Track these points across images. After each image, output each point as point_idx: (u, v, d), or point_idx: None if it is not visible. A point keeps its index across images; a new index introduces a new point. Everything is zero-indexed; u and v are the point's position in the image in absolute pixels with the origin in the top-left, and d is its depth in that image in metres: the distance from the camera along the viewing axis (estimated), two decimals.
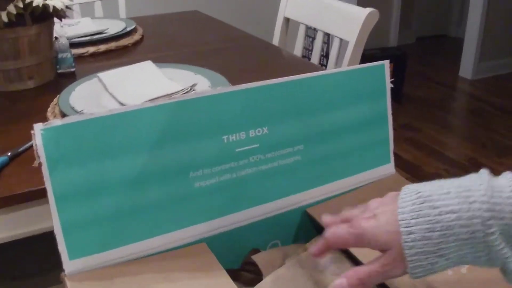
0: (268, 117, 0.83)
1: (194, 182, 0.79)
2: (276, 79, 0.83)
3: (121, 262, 0.75)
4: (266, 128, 0.83)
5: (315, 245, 0.70)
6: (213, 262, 0.76)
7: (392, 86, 0.95)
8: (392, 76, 3.23)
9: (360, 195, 0.93)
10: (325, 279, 0.77)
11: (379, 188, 0.95)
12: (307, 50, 2.06)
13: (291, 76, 0.85)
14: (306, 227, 0.90)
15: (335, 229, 0.69)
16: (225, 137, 0.80)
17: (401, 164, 3.20)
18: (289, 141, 0.86)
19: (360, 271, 0.65)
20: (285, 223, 0.89)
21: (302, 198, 0.89)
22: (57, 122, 0.69)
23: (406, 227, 0.61)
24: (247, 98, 0.82)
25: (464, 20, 5.02)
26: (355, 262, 0.79)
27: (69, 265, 0.72)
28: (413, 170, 3.14)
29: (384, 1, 5.42)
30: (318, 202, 0.90)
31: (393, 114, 2.83)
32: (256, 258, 0.81)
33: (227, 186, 0.81)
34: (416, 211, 0.61)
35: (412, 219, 0.61)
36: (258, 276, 0.77)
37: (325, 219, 0.73)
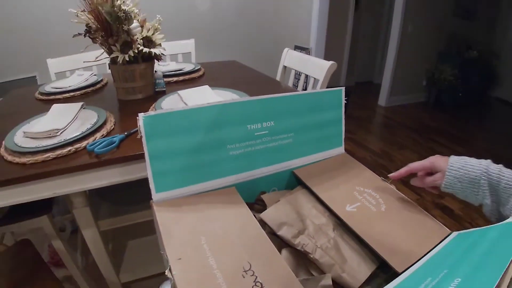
0: (274, 116, 0.81)
1: (229, 151, 0.77)
2: (279, 94, 0.81)
3: (186, 196, 0.73)
4: (273, 122, 0.81)
5: (396, 172, 0.83)
6: (238, 198, 0.74)
7: (346, 102, 0.92)
8: None
9: (324, 164, 0.91)
10: (303, 211, 0.75)
11: (335, 161, 0.93)
12: (295, 86, 2.05)
13: (287, 93, 0.83)
14: (292, 181, 0.88)
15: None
16: (248, 126, 0.78)
17: None
18: (286, 130, 0.83)
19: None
20: (281, 177, 0.86)
21: (291, 163, 0.87)
22: (152, 113, 0.69)
23: (451, 166, 0.75)
24: (262, 104, 0.79)
25: (381, 73, 5.01)
26: (324, 205, 0.78)
27: (155, 196, 0.71)
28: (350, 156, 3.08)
29: (338, 58, 5.41)
30: (300, 167, 0.88)
31: None
32: (263, 197, 0.79)
33: (248, 154, 0.79)
34: (456, 161, 0.76)
35: (455, 163, 0.75)
36: (264, 207, 0.75)
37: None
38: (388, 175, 0.83)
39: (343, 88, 0.92)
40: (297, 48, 3.68)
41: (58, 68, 2.03)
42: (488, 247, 0.57)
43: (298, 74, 2.04)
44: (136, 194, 1.50)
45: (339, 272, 0.63)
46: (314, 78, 1.83)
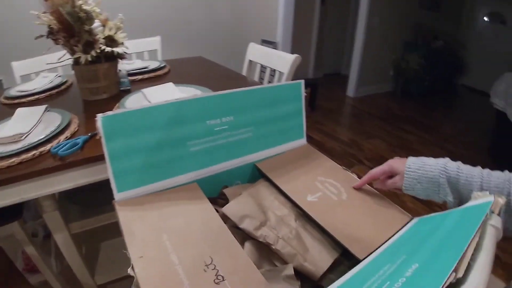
0: (233, 110, 0.81)
1: (190, 148, 0.77)
2: (237, 89, 0.82)
3: (147, 194, 0.73)
4: (232, 117, 0.81)
5: (359, 182, 0.81)
6: (200, 194, 0.74)
7: (306, 95, 0.92)
8: (309, 96, 3.23)
9: (286, 156, 0.91)
10: (265, 203, 0.75)
11: (297, 152, 0.94)
12: (261, 79, 2.06)
13: (245, 88, 0.83)
14: (255, 174, 0.88)
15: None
16: (208, 121, 0.78)
17: (313, 142, 3.18)
18: (245, 124, 0.84)
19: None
20: (243, 171, 0.87)
21: (253, 157, 0.87)
22: (110, 113, 0.68)
23: (409, 168, 0.75)
24: (221, 99, 0.80)
25: (349, 64, 5.06)
26: (286, 197, 0.78)
27: (117, 196, 0.71)
28: (320, 146, 3.09)
29: (306, 51, 5.46)
30: (262, 160, 0.88)
31: (309, 115, 2.80)
32: (225, 191, 0.79)
33: (209, 149, 0.79)
34: (413, 162, 0.76)
35: (412, 164, 0.76)
36: (227, 202, 0.75)
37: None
38: (352, 187, 0.82)
39: (302, 81, 0.92)
40: (264, 42, 3.68)
41: (23, 71, 1.99)
42: (447, 231, 0.58)
43: (264, 68, 2.04)
44: (105, 195, 1.48)
45: (301, 261, 0.63)
46: (280, 71, 1.84)
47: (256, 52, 2.11)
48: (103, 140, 0.68)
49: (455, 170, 0.71)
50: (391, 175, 0.80)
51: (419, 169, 0.75)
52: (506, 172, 0.70)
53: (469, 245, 0.48)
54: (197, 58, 2.42)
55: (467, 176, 0.70)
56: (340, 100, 5.00)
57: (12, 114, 1.28)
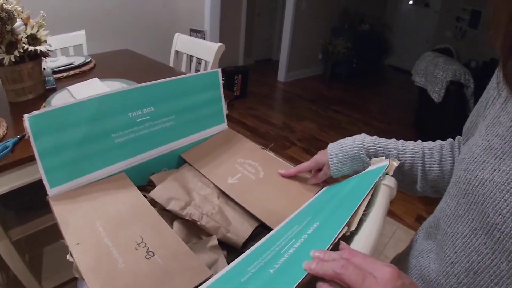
0: (154, 101, 0.85)
1: (114, 140, 0.81)
2: (158, 80, 0.86)
3: (79, 187, 0.76)
4: (153, 107, 0.85)
5: (286, 171, 0.86)
6: (129, 183, 0.79)
7: (224, 82, 0.98)
8: (240, 83, 3.27)
9: (209, 143, 0.97)
10: (190, 185, 0.81)
11: (220, 137, 1.00)
12: (189, 68, 2.11)
13: (164, 79, 0.88)
14: (181, 160, 0.93)
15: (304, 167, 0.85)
16: (130, 113, 0.82)
17: (247, 128, 3.27)
18: (167, 114, 0.88)
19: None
20: (170, 158, 0.91)
21: (176, 144, 0.92)
22: (36, 112, 0.71)
23: (331, 155, 0.80)
24: (141, 92, 0.83)
25: (279, 49, 5.16)
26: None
27: (50, 191, 0.74)
28: (253, 131, 3.15)
29: (235, 38, 5.49)
30: (186, 146, 0.94)
31: (242, 102, 2.88)
32: (153, 177, 0.84)
33: (133, 140, 0.83)
34: (333, 148, 0.81)
35: (333, 150, 0.81)
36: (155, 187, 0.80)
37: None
38: (278, 171, 0.87)
39: (219, 70, 0.98)
40: (192, 31, 3.69)
41: None
42: (346, 193, 0.67)
43: (190, 57, 2.09)
44: (41, 196, 1.47)
45: (224, 233, 0.71)
46: (205, 60, 1.90)
47: (182, 43, 2.15)
48: (31, 139, 0.71)
49: (372, 145, 0.77)
50: (320, 168, 0.85)
51: (340, 152, 0.80)
52: (419, 141, 0.79)
53: (361, 203, 0.56)
54: (123, 51, 2.41)
55: (384, 149, 0.77)
56: (271, 85, 5.10)
57: None
